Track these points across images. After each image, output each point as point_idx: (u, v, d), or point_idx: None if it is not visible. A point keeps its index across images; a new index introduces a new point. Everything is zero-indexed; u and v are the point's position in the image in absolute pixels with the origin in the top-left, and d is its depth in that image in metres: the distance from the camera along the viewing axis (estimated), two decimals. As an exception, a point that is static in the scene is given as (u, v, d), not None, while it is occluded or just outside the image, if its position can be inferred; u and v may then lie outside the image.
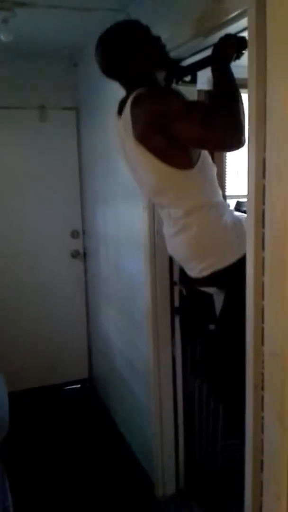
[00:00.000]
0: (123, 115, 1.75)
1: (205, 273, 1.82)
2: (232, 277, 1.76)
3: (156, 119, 1.63)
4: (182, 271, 2.07)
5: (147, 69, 1.76)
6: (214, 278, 1.82)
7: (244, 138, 1.60)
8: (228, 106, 1.58)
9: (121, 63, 1.76)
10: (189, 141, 1.65)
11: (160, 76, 1.82)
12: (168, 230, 1.93)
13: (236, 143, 1.62)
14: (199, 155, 1.73)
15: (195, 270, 1.87)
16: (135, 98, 1.67)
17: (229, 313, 2.00)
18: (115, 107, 1.85)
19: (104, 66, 1.82)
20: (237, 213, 1.90)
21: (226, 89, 1.62)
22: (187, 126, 1.59)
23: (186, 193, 1.76)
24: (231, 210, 1.86)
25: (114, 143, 1.98)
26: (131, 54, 1.73)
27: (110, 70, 1.82)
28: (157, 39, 1.78)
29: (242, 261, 1.61)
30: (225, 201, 1.90)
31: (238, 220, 1.80)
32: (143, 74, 1.75)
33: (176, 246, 1.92)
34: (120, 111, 1.79)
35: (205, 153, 1.76)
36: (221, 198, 1.84)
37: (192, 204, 1.76)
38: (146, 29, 1.79)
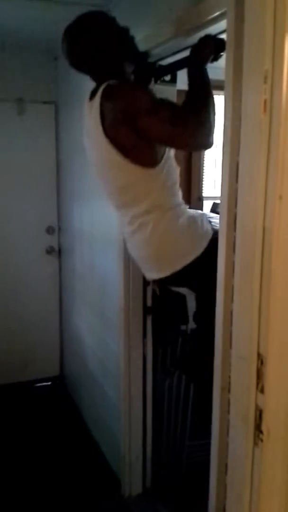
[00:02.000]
0: (92, 104, 1.71)
1: (163, 274, 1.82)
2: (193, 276, 1.77)
3: (125, 111, 1.60)
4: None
5: (115, 61, 1.74)
6: (174, 279, 1.82)
7: (212, 140, 1.62)
8: (198, 108, 1.59)
9: (88, 55, 1.73)
10: (156, 137, 1.63)
11: (129, 69, 1.80)
12: (125, 229, 1.91)
13: (203, 144, 1.64)
14: (163, 155, 1.71)
15: (153, 272, 1.87)
16: (104, 89, 1.64)
17: (201, 313, 2.02)
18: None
19: (71, 59, 1.77)
20: (193, 211, 1.89)
21: (198, 90, 1.64)
22: (155, 121, 1.58)
23: (146, 192, 1.73)
24: (188, 211, 1.83)
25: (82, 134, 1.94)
26: (97, 45, 1.70)
27: (78, 62, 1.78)
28: (125, 30, 1.75)
29: (199, 260, 1.61)
30: (186, 203, 1.88)
31: (193, 221, 1.78)
32: (111, 65, 1.73)
33: (134, 246, 1.90)
34: (90, 99, 1.75)
35: (169, 154, 1.74)
36: (180, 200, 1.82)
37: (151, 204, 1.73)
38: (112, 20, 1.76)
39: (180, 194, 1.83)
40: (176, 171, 1.80)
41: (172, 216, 1.75)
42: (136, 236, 1.82)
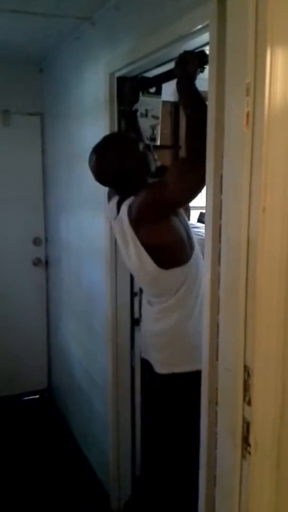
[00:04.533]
0: (118, 218, 1.88)
1: (165, 370, 1.91)
2: (184, 386, 1.83)
3: (151, 209, 1.75)
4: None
5: (140, 176, 1.86)
6: (169, 380, 1.91)
7: None
8: (200, 136, 1.50)
9: (116, 174, 1.85)
10: (186, 200, 1.77)
11: (148, 179, 1.90)
12: (147, 309, 2.03)
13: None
14: (193, 248, 1.84)
15: (156, 363, 1.95)
16: (128, 209, 1.80)
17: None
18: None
19: (100, 176, 1.90)
20: None
21: (195, 112, 1.60)
22: (176, 192, 1.68)
23: (176, 289, 1.85)
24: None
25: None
26: (125, 167, 1.83)
27: (106, 180, 1.91)
28: (147, 146, 1.92)
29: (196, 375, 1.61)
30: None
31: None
32: (136, 181, 1.85)
33: (152, 332, 1.98)
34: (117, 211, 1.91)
35: (197, 247, 1.85)
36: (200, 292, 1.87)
37: (176, 302, 1.85)
38: (137, 140, 1.92)
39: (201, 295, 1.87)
40: (201, 258, 1.86)
41: (193, 319, 1.84)
42: (156, 325, 1.93)
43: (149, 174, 1.89)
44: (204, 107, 1.46)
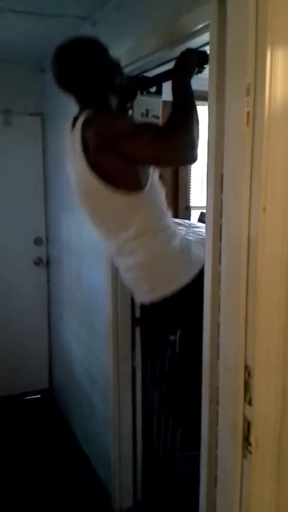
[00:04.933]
0: (73, 134, 1.72)
1: (155, 298, 1.81)
2: (183, 301, 1.77)
3: (106, 139, 1.61)
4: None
5: (101, 90, 1.75)
6: (165, 303, 1.81)
7: (196, 154, 1.62)
8: (181, 124, 1.59)
9: (76, 79, 1.73)
10: (140, 159, 1.64)
11: (113, 101, 1.81)
12: (115, 258, 1.93)
13: (187, 160, 1.66)
14: (148, 179, 1.71)
15: (145, 295, 1.87)
16: (85, 121, 1.65)
17: (187, 340, 2.00)
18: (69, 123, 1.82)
19: (59, 77, 1.77)
20: (184, 233, 1.91)
21: (182, 105, 1.63)
22: (137, 144, 1.59)
23: (132, 218, 1.73)
24: (180, 233, 1.85)
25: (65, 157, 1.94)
26: (87, 72, 1.71)
27: (64, 83, 1.78)
28: (116, 64, 1.78)
29: (190, 286, 1.61)
30: (175, 223, 1.89)
31: (186, 246, 1.79)
32: (96, 93, 1.74)
33: (126, 271, 1.90)
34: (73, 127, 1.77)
35: (153, 178, 1.74)
36: (170, 221, 1.82)
37: (138, 228, 1.73)
38: (105, 51, 1.77)
39: (169, 216, 1.82)
40: (162, 193, 1.80)
41: (163, 238, 1.76)
42: (128, 261, 1.83)
43: (113, 91, 1.79)
44: (194, 106, 1.55)
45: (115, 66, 1.78)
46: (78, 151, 1.66)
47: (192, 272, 1.71)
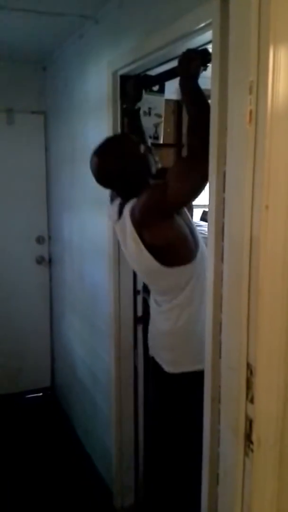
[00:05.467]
0: (123, 220, 1.85)
1: (173, 370, 1.90)
2: (193, 385, 1.77)
3: (152, 211, 1.74)
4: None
5: (141, 181, 1.84)
6: (179, 379, 1.89)
7: None
8: (198, 140, 1.55)
9: (116, 178, 1.85)
10: (187, 200, 1.80)
11: (151, 180, 1.89)
12: (155, 308, 2.00)
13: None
14: (198, 246, 1.83)
15: (164, 363, 1.95)
16: (131, 211, 1.79)
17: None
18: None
19: (100, 178, 1.89)
20: None
21: (198, 110, 1.61)
22: (176, 192, 1.67)
23: (184, 285, 1.83)
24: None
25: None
26: (125, 170, 1.83)
27: (106, 183, 1.91)
28: (146, 148, 1.90)
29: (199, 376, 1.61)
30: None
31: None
32: (137, 184, 1.83)
33: (161, 331, 1.97)
34: (119, 214, 1.90)
35: (203, 248, 1.82)
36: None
37: (185, 296, 1.84)
38: (137, 143, 1.89)
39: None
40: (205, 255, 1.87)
41: (201, 314, 1.80)
42: (166, 323, 1.91)
43: (150, 175, 1.88)
44: (207, 106, 1.47)
45: (149, 151, 1.90)
46: (133, 236, 1.79)
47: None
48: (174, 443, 2.03)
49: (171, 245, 1.79)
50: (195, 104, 1.63)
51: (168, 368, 1.93)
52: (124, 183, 1.86)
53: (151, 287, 2.03)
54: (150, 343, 2.07)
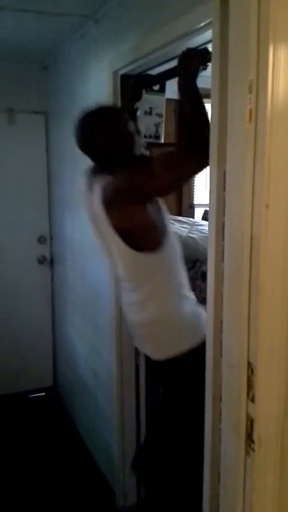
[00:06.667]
0: (92, 196, 1.80)
1: (159, 357, 1.89)
2: (184, 366, 1.82)
3: (128, 192, 1.71)
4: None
5: (122, 159, 1.80)
6: (167, 365, 1.88)
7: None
8: (193, 131, 1.60)
9: (99, 147, 1.81)
10: (168, 190, 1.80)
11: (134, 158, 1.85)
12: (126, 299, 1.98)
13: (206, 164, 1.67)
14: (165, 235, 1.78)
15: (148, 351, 1.95)
16: (103, 190, 1.73)
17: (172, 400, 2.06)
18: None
19: (82, 143, 1.84)
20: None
21: (193, 108, 1.63)
22: (158, 182, 1.65)
23: (153, 274, 1.81)
24: (193, 298, 1.89)
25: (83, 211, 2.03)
26: (111, 141, 1.78)
27: (88, 149, 1.85)
28: (136, 131, 1.87)
29: (194, 351, 1.65)
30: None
31: (197, 313, 1.83)
32: (117, 161, 1.79)
33: (134, 324, 1.97)
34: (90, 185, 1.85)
35: (172, 235, 1.81)
36: (185, 281, 1.87)
37: (155, 286, 1.82)
38: (126, 120, 1.85)
39: (185, 275, 1.88)
40: (179, 251, 1.86)
41: (176, 303, 1.82)
42: (137, 317, 1.91)
43: (134, 157, 1.83)
44: (203, 106, 1.54)
45: (135, 134, 1.85)
46: (102, 216, 1.75)
47: (198, 338, 1.73)
48: (177, 431, 2.04)
49: (134, 230, 1.76)
50: (192, 103, 1.64)
51: (153, 356, 1.93)
52: (105, 154, 1.81)
53: (122, 274, 1.95)
54: (130, 333, 2.07)
